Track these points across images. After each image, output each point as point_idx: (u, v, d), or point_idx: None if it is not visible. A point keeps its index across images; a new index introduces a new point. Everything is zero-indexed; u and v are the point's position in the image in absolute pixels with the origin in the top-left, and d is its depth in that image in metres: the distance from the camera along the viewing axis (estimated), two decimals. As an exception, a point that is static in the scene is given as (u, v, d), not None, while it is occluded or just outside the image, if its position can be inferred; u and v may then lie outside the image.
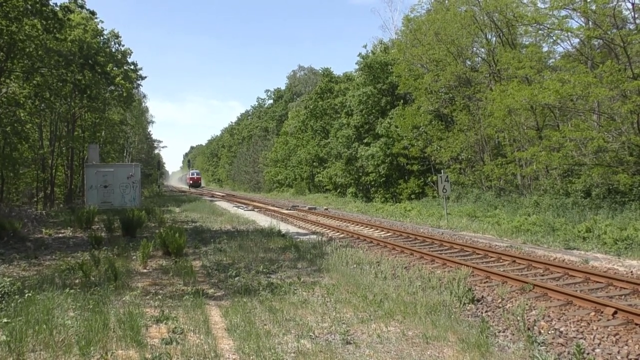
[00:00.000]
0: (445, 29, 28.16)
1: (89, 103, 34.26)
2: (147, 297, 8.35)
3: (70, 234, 18.04)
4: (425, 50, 29.85)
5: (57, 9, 23.15)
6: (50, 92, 27.39)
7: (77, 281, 9.36)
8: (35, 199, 36.92)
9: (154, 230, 17.83)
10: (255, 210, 32.09)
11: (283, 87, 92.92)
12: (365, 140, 37.24)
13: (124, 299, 8.06)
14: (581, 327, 7.63)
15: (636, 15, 20.32)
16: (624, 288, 9.54)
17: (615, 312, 7.95)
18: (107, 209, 25.23)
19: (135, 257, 12.20)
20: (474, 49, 30.33)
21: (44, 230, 18.30)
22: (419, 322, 7.14)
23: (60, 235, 17.71)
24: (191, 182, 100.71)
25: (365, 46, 46.61)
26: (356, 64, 42.68)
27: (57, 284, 8.92)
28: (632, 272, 11.06)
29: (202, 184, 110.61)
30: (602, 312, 8.09)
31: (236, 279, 9.86)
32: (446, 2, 31.26)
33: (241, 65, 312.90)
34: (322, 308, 7.84)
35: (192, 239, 15.69)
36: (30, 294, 7.59)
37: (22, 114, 26.15)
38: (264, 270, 10.79)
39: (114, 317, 6.79)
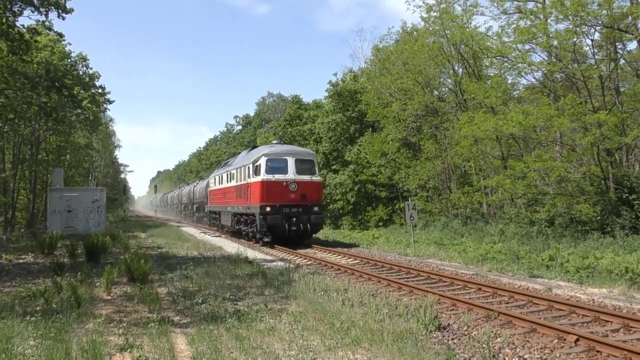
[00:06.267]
0: (413, 60, 28.76)
1: (54, 126, 33.85)
2: (111, 325, 8.19)
3: (32, 259, 17.61)
4: (394, 79, 30.37)
5: (24, 30, 22.92)
6: (14, 114, 26.95)
7: (38, 308, 9.12)
8: (-4, 223, 36.03)
9: (119, 256, 17.51)
10: (222, 236, 31.80)
11: (252, 113, 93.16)
12: (333, 167, 37.46)
13: (87, 326, 7.89)
14: (545, 355, 7.74)
15: (595, 51, 21.10)
16: (586, 316, 9.72)
17: (577, 340, 8.09)
18: (71, 234, 24.73)
19: (99, 283, 11.97)
20: (441, 79, 30.99)
21: (3, 255, 17.83)
22: (386, 349, 7.15)
23: (21, 260, 17.26)
24: (292, 198, 23.02)
25: (335, 74, 47.29)
26: (326, 91, 43.28)
27: (17, 312, 8.69)
28: (593, 300, 11.27)
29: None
30: (564, 340, 8.23)
31: (202, 306, 9.74)
32: (414, 33, 31.94)
33: (210, 90, 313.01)
34: (289, 335, 7.80)
35: (158, 265, 15.45)
36: (-12, 322, 7.38)
37: (-16, 136, 25.63)
38: (231, 297, 10.68)
39: (76, 346, 6.64)
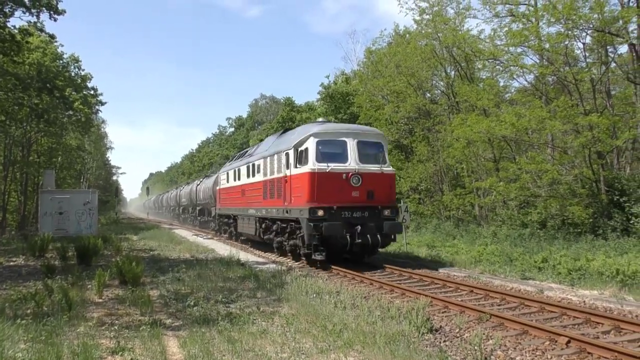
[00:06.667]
0: (405, 62, 28.84)
1: (46, 128, 33.71)
2: (103, 328, 8.15)
3: (23, 262, 17.51)
4: (386, 81, 30.45)
5: (16, 31, 22.83)
6: (5, 115, 26.82)
7: (29, 312, 9.08)
8: (-14, 226, 35.81)
9: (111, 259, 17.44)
10: (215, 238, 31.74)
11: (245, 115, 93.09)
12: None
13: (78, 329, 7.85)
14: (536, 356, 7.76)
15: (587, 54, 21.23)
16: (577, 317, 9.76)
17: (568, 341, 8.12)
18: (62, 237, 24.60)
19: (90, 286, 11.91)
20: (434, 81, 31.11)
21: (-6, 258, 17.74)
22: (378, 352, 7.15)
23: (12, 263, 17.17)
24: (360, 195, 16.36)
25: (327, 76, 47.30)
26: (318, 93, 43.26)
27: (8, 315, 8.62)
28: (584, 301, 11.32)
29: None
30: (556, 342, 8.25)
31: (194, 308, 9.71)
32: (407, 36, 32.06)
33: (203, 92, 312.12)
34: (281, 338, 7.79)
35: (150, 268, 15.40)
36: (-22, 325, 7.33)
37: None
38: (223, 299, 10.66)
39: (67, 349, 6.60)
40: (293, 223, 17.43)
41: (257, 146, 24.78)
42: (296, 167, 16.87)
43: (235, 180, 25.52)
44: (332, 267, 16.63)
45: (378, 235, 16.01)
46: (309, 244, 16.20)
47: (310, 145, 16.33)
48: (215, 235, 31.52)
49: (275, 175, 18.74)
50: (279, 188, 18.28)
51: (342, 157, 16.41)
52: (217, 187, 30.78)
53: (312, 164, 16.03)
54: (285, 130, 21.89)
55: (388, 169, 17.08)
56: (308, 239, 16.04)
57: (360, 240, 15.80)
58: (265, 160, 20.17)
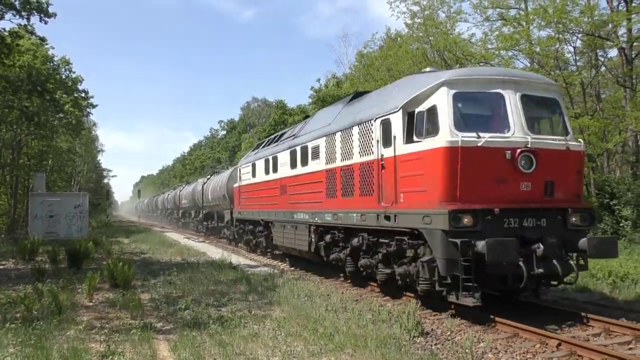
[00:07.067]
0: (397, 65, 28.93)
1: (36, 130, 33.53)
2: (93, 332, 8.11)
3: (12, 265, 17.42)
4: (378, 85, 30.48)
5: (6, 34, 22.73)
6: (-5, 118, 26.66)
7: (18, 315, 9.01)
8: (-25, 229, 35.60)
9: (102, 262, 17.35)
10: (207, 241, 31.66)
11: (237, 118, 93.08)
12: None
13: (68, 333, 7.80)
14: (527, 359, 7.78)
15: (577, 58, 21.37)
16: (568, 320, 9.78)
17: (559, 344, 8.14)
18: (53, 240, 24.44)
19: (81, 289, 11.85)
20: (425, 85, 31.14)
21: (-16, 261, 17.62)
22: (370, 355, 7.15)
23: (1, 267, 17.08)
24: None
25: (319, 80, 47.53)
26: (309, 97, 43.25)
27: (-3, 318, 8.59)
28: (575, 304, 11.35)
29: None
30: (547, 344, 8.28)
31: (185, 312, 9.68)
32: (398, 39, 32.13)
33: (194, 95, 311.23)
34: (272, 341, 7.77)
35: (141, 271, 15.35)
36: (-33, 329, 7.28)
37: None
38: (215, 303, 10.64)
39: (57, 353, 6.57)
40: (405, 238, 10.40)
41: (303, 123, 17.73)
42: (410, 141, 10.02)
43: (267, 173, 18.90)
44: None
45: (569, 260, 9.49)
46: (444, 277, 9.25)
47: (442, 101, 9.42)
48: (230, 244, 27.39)
49: (356, 160, 12.07)
50: (366, 179, 11.64)
51: (496, 122, 9.67)
52: (236, 185, 24.24)
53: (447, 134, 9.09)
54: (357, 95, 14.77)
55: (575, 143, 10.03)
56: (446, 267, 9.01)
57: (541, 270, 9.02)
58: (330, 138, 13.51)
